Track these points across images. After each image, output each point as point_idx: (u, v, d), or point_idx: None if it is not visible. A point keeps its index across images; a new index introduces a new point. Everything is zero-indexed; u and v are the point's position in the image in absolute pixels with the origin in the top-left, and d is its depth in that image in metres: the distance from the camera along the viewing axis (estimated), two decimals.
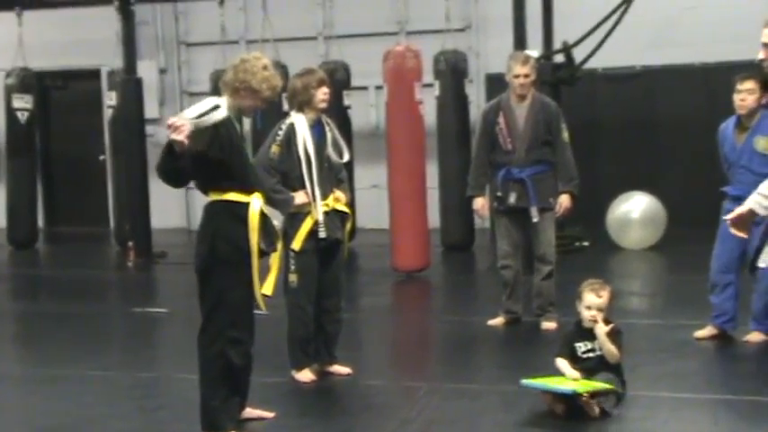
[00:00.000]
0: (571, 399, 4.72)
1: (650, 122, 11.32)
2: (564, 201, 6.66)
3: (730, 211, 6.06)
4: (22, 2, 11.52)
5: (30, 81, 11.99)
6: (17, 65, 11.72)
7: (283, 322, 5.57)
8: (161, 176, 4.46)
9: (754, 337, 6.00)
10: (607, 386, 4.77)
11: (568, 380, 4.80)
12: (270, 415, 4.88)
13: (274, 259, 4.62)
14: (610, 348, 4.89)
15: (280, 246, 4.69)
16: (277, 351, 5.58)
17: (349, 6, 11.11)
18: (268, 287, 4.53)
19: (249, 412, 4.77)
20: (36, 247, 12.24)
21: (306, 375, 5.54)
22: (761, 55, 4.12)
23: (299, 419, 4.98)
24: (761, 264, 4.57)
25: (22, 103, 11.95)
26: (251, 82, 4.49)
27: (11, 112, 11.95)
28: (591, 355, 4.91)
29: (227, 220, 4.47)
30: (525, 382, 4.89)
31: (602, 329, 4.89)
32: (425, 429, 4.80)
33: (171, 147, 4.25)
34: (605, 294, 4.97)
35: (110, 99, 11.63)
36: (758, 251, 4.51)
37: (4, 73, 11.98)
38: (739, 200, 5.99)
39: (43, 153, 13.39)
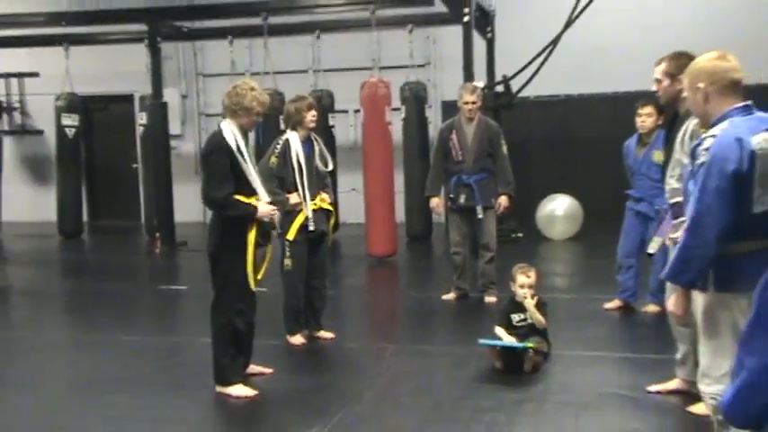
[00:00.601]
0: (509, 355, 4.74)
1: (571, 139, 11.38)
2: (503, 201, 6.67)
3: (632, 208, 6.15)
4: (69, 38, 11.41)
5: (75, 103, 11.87)
6: (65, 90, 11.60)
7: (279, 297, 5.56)
8: (218, 208, 4.45)
9: (651, 308, 6.06)
10: (538, 344, 4.81)
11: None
12: (269, 371, 4.87)
13: (268, 250, 4.61)
14: (538, 317, 4.92)
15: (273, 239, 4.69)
16: (274, 320, 5.56)
17: (333, 46, 11.07)
18: (261, 273, 4.52)
19: (252, 369, 4.76)
20: (81, 237, 12.12)
21: (298, 339, 5.53)
22: (654, 87, 4.16)
23: (292, 374, 4.97)
24: (650, 250, 4.62)
25: (70, 121, 11.83)
26: (243, 102, 4.46)
27: (61, 128, 11.83)
28: (523, 323, 4.94)
29: (231, 216, 4.44)
30: (482, 341, 4.88)
31: (530, 303, 4.92)
32: (392, 381, 4.81)
33: (252, 214, 4.38)
34: (533, 275, 5.00)
35: (141, 119, 11.52)
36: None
37: (55, 96, 11.84)
38: (639, 200, 6.08)
39: (87, 162, 13.24)
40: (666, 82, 4.05)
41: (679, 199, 3.84)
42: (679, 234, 3.91)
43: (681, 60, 4.00)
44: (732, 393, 1.85)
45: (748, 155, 2.76)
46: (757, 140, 2.80)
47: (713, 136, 2.85)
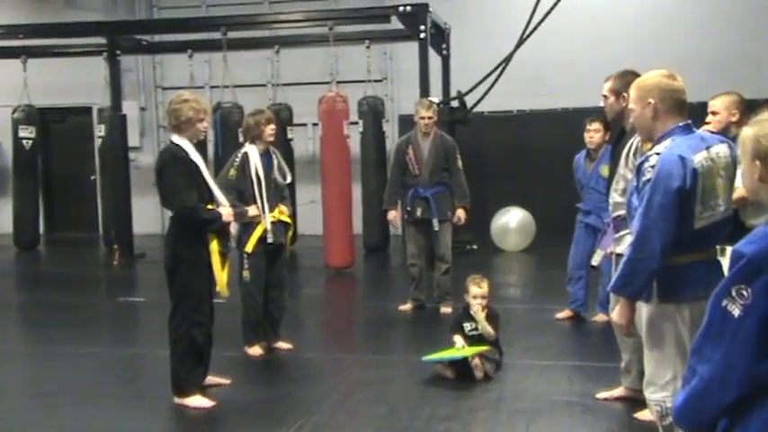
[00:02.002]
0: (460, 365, 4.79)
1: (523, 154, 11.51)
2: (461, 213, 6.72)
3: (582, 221, 6.26)
4: (27, 51, 11.22)
5: (33, 115, 11.66)
6: (23, 102, 11.39)
7: (237, 308, 5.53)
8: (189, 218, 4.42)
9: (600, 317, 6.13)
10: (485, 348, 4.86)
11: (458, 350, 4.87)
12: (227, 381, 4.85)
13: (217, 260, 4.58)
14: (488, 330, 4.99)
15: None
16: (232, 331, 5.53)
17: (292, 61, 11.07)
18: (222, 286, 4.51)
19: (210, 379, 4.73)
20: (38, 248, 11.89)
21: (256, 350, 5.51)
22: (602, 103, 4.24)
23: (250, 385, 4.95)
24: (593, 263, 4.70)
25: (27, 133, 11.61)
26: (181, 116, 4.46)
27: (17, 140, 11.60)
28: (474, 332, 5.01)
29: (187, 228, 4.43)
30: (425, 358, 4.94)
31: (481, 316, 4.98)
32: (350, 391, 4.82)
33: (217, 219, 4.41)
34: (485, 285, 5.07)
35: (99, 131, 11.37)
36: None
37: (12, 108, 11.63)
38: (589, 213, 6.18)
39: (44, 173, 12.98)
40: (612, 99, 4.15)
41: (621, 212, 3.93)
42: (622, 248, 4.00)
43: (626, 78, 4.11)
44: (683, 399, 1.90)
45: (691, 172, 2.85)
46: (698, 159, 2.89)
47: (658, 153, 2.93)
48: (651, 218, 2.86)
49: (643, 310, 3.05)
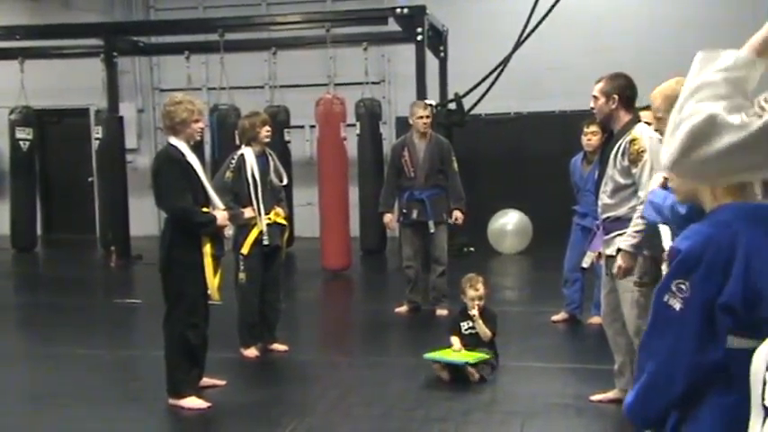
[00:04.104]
0: (457, 368, 4.81)
1: (520, 156, 11.53)
2: (458, 215, 6.75)
3: (578, 224, 6.27)
4: (24, 52, 11.24)
5: (30, 117, 11.68)
6: (20, 103, 11.40)
7: (233, 310, 5.55)
8: (184, 220, 4.43)
9: (595, 320, 6.09)
10: (486, 356, 4.88)
11: (459, 354, 4.89)
12: (222, 383, 4.86)
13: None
14: (484, 330, 5.01)
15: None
16: (229, 333, 5.55)
17: (289, 62, 11.09)
18: (214, 291, 4.52)
19: (206, 381, 4.74)
20: (35, 250, 11.89)
21: (251, 352, 5.53)
22: (591, 104, 4.25)
23: (246, 386, 4.97)
24: (583, 265, 4.72)
25: (24, 134, 11.62)
26: (175, 117, 4.48)
27: (14, 141, 11.62)
28: (471, 331, 5.03)
29: (181, 230, 4.45)
30: (427, 355, 4.95)
31: (478, 320, 5.00)
32: (345, 393, 4.83)
33: (212, 223, 4.41)
34: (480, 287, 5.09)
35: (97, 133, 11.37)
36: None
37: (9, 110, 11.65)
38: (585, 216, 6.19)
39: (41, 175, 13.00)
40: (602, 100, 4.16)
41: (611, 214, 3.94)
42: (611, 250, 4.01)
43: (617, 81, 4.13)
44: (633, 395, 1.94)
45: None
46: None
47: None
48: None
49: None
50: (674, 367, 1.86)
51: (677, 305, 1.85)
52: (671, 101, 3.10)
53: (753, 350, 1.76)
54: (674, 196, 3.05)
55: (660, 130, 3.28)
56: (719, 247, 1.83)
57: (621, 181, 3.99)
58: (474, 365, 4.77)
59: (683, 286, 1.86)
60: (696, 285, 1.83)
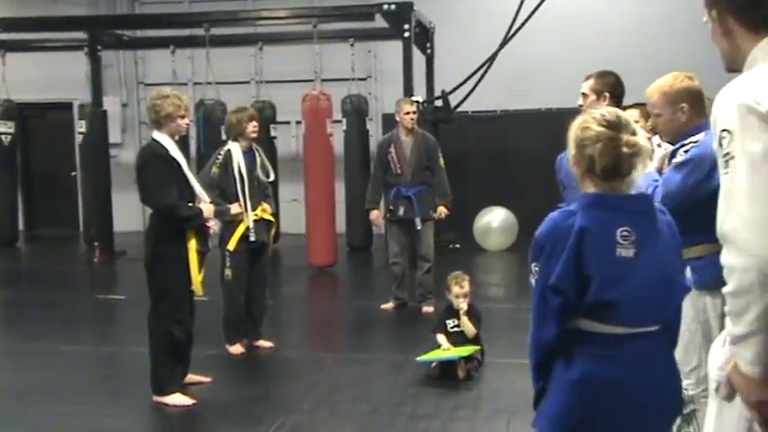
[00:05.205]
0: (445, 363, 4.82)
1: (507, 153, 11.57)
2: (442, 210, 6.76)
3: None
4: (5, 45, 11.13)
5: (12, 111, 11.57)
6: (1, 97, 11.28)
7: (219, 306, 5.53)
8: (169, 215, 4.41)
9: None
10: (477, 348, 4.90)
11: (452, 350, 4.89)
12: (207, 379, 4.85)
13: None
14: (468, 327, 5.02)
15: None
16: (214, 329, 5.53)
17: (276, 58, 11.05)
18: (197, 285, 4.49)
19: (191, 378, 4.73)
20: (17, 245, 11.80)
21: (237, 349, 5.51)
22: (580, 101, 4.26)
23: (231, 383, 4.96)
24: None
25: (6, 128, 11.50)
26: (161, 111, 4.46)
27: None
28: (457, 329, 5.04)
29: (166, 226, 4.43)
30: (420, 359, 4.94)
31: (464, 318, 5.02)
32: (331, 389, 4.83)
33: (197, 216, 4.39)
34: (466, 284, 5.10)
35: (80, 127, 11.28)
36: None
37: None
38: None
39: (24, 169, 12.88)
40: (592, 98, 4.17)
41: None
42: None
43: (607, 79, 4.14)
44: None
45: None
46: None
47: (695, 142, 3.04)
48: (677, 191, 2.97)
49: None
50: (532, 340, 2.20)
51: (533, 283, 2.15)
52: (668, 97, 3.13)
53: (598, 333, 2.05)
54: (660, 190, 3.08)
55: (656, 128, 3.31)
56: (560, 232, 2.08)
57: None
58: (467, 359, 4.79)
59: (535, 267, 2.14)
60: (541, 267, 2.11)
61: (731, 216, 1.59)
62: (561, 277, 2.06)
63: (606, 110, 2.20)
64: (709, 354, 2.00)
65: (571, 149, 2.20)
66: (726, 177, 1.64)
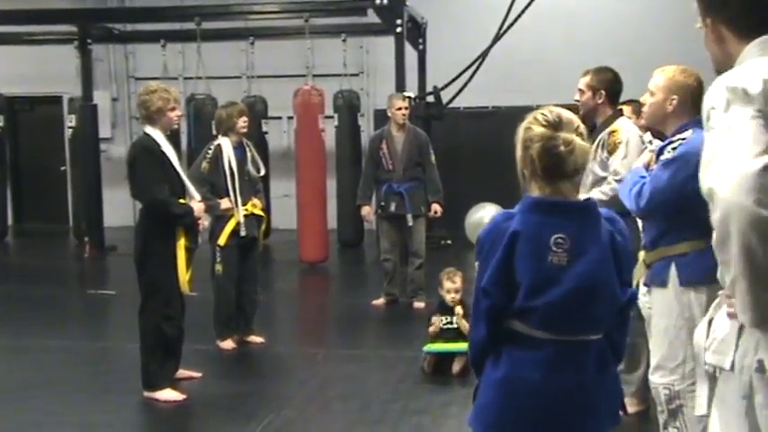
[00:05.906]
0: (439, 357, 4.82)
1: (499, 150, 11.48)
2: (436, 208, 6.76)
3: None
4: None
5: (1, 104, 11.54)
6: None
7: (209, 302, 5.53)
8: (160, 211, 4.39)
9: None
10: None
11: (455, 342, 4.89)
12: (198, 375, 4.85)
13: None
14: (464, 324, 5.02)
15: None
16: (204, 324, 5.52)
17: (267, 52, 11.03)
18: (184, 284, 4.48)
19: (181, 373, 4.73)
20: (6, 240, 11.75)
21: (228, 344, 5.51)
22: (576, 96, 4.27)
23: (222, 379, 4.96)
24: None
25: None
26: (151, 106, 4.45)
27: None
28: (450, 326, 5.04)
29: (157, 221, 4.42)
30: (426, 348, 4.93)
31: (459, 313, 5.02)
32: (322, 385, 4.84)
33: (188, 214, 4.39)
34: (458, 280, 5.11)
35: (70, 121, 11.23)
36: None
37: None
38: None
39: (13, 163, 12.82)
40: (588, 94, 4.18)
41: None
42: None
43: (605, 75, 4.16)
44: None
45: None
46: None
47: (683, 139, 3.05)
48: (664, 188, 2.99)
49: (659, 294, 3.11)
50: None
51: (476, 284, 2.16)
52: (667, 84, 3.20)
53: (526, 336, 2.09)
54: (648, 187, 3.10)
55: (643, 105, 3.38)
56: (497, 234, 2.10)
57: (600, 173, 4.02)
58: (464, 354, 4.81)
59: (477, 267, 2.15)
60: (481, 268, 2.13)
61: (710, 174, 1.65)
62: (490, 280, 2.07)
63: (549, 109, 2.17)
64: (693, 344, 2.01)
65: (518, 151, 2.19)
66: (708, 144, 1.70)
